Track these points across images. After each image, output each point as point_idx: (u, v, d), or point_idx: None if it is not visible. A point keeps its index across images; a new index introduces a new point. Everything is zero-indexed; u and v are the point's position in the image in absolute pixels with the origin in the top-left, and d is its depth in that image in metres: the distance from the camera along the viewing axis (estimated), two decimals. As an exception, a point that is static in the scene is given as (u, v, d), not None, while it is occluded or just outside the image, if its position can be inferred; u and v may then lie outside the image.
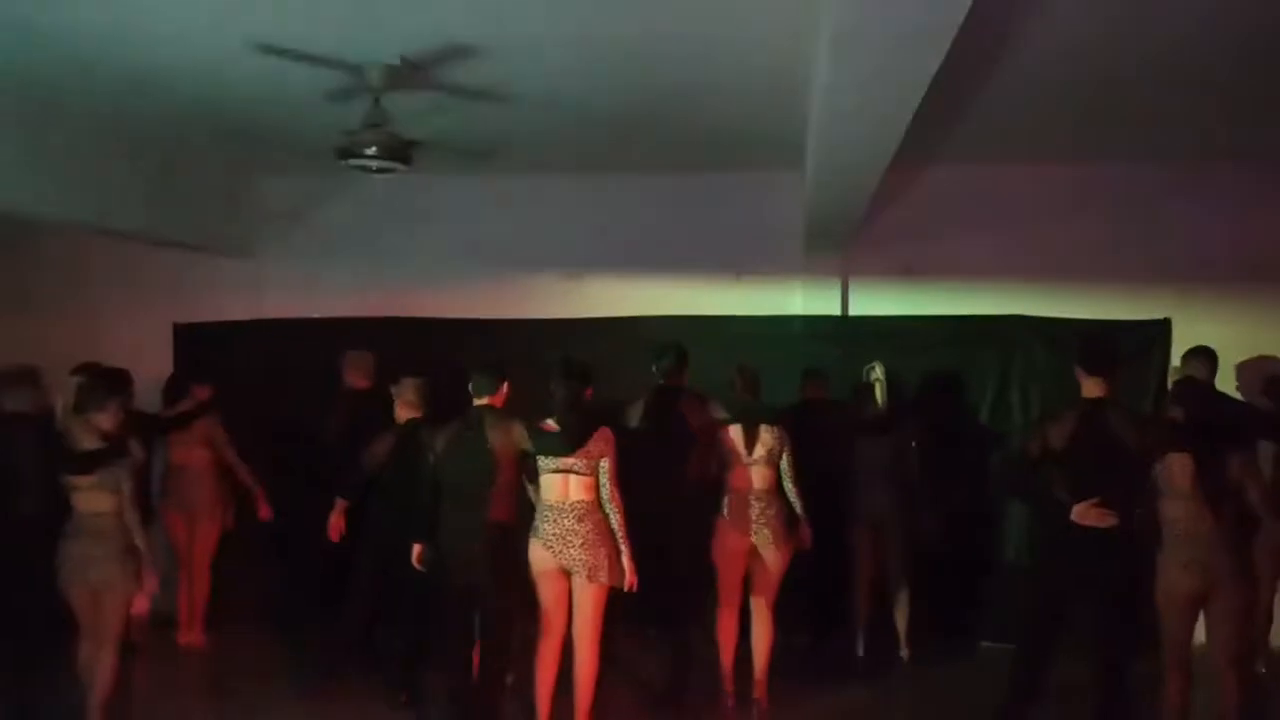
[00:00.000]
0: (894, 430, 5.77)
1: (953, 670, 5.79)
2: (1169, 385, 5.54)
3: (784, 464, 4.96)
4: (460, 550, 4.37)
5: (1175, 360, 5.80)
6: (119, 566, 4.37)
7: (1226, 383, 5.72)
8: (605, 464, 4.40)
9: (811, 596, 5.79)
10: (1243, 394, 5.82)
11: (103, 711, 4.46)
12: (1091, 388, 4.29)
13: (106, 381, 4.79)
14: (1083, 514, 4.17)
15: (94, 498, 4.38)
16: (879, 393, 5.76)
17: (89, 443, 4.44)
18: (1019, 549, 6.19)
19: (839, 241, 6.13)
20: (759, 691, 5.05)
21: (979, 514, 6.22)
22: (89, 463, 4.38)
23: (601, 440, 4.41)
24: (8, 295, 6.91)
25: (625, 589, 4.44)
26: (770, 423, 5.01)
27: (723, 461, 4.99)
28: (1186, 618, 4.19)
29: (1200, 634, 4.24)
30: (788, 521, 4.95)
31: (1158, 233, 6.21)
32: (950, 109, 4.83)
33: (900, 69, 3.19)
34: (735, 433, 4.98)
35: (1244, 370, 5.92)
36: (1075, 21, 3.89)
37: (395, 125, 4.42)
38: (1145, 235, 6.23)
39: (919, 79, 3.27)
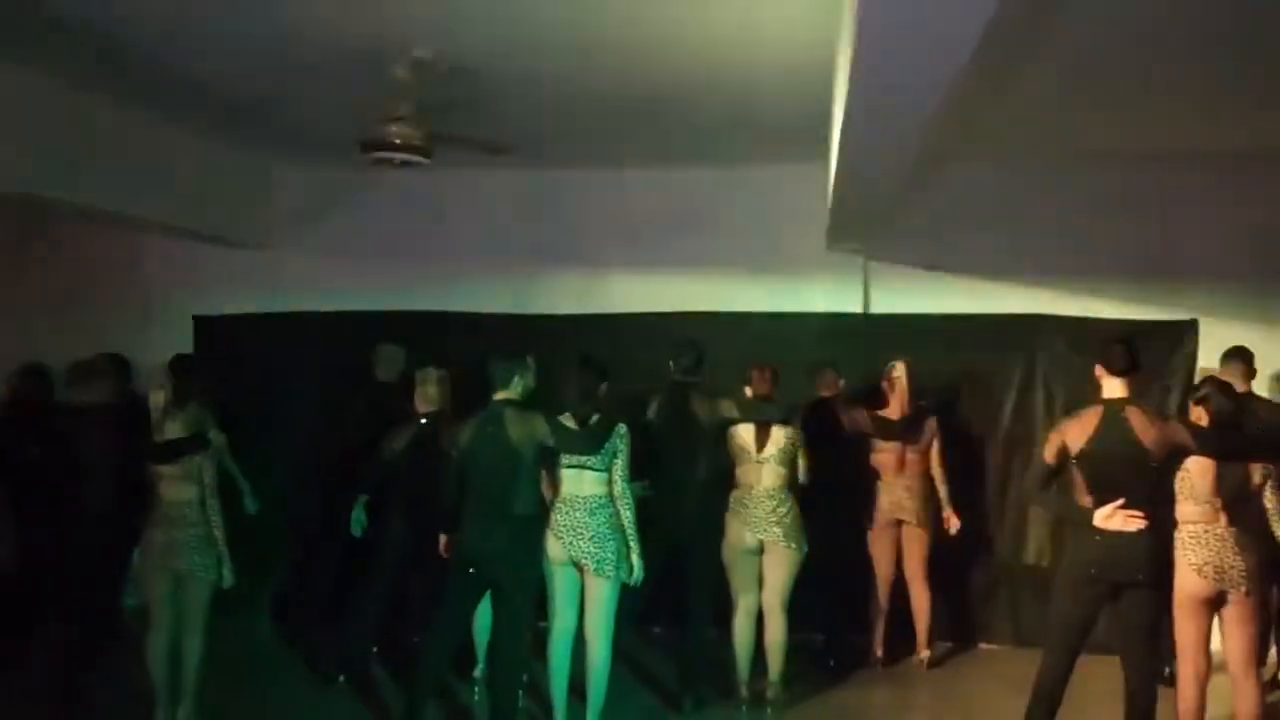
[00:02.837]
0: (915, 430, 5.69)
1: (970, 673, 5.73)
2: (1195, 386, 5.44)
3: (800, 464, 4.99)
4: (483, 545, 4.35)
5: (1208, 361, 5.70)
6: (201, 554, 4.44)
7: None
8: (619, 460, 4.42)
9: (829, 597, 5.73)
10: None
11: (194, 698, 4.53)
12: (1113, 388, 4.21)
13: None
14: (1107, 518, 4.09)
15: (178, 487, 4.46)
16: (900, 391, 5.66)
17: (174, 433, 4.49)
18: (1040, 551, 6.12)
19: (862, 236, 6.05)
20: (773, 692, 5.02)
21: (999, 515, 6.16)
22: (172, 452, 4.45)
23: (617, 437, 4.43)
24: (25, 287, 6.94)
25: (633, 584, 4.45)
26: (783, 422, 4.99)
27: (733, 459, 4.99)
28: (1201, 622, 4.15)
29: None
30: (799, 521, 4.93)
31: (1187, 232, 6.09)
32: (978, 106, 4.76)
33: (928, 64, 3.13)
34: (746, 431, 4.98)
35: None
36: (1105, 19, 3.82)
37: (418, 119, 4.40)
38: (1173, 235, 6.11)
39: (946, 75, 3.20)
